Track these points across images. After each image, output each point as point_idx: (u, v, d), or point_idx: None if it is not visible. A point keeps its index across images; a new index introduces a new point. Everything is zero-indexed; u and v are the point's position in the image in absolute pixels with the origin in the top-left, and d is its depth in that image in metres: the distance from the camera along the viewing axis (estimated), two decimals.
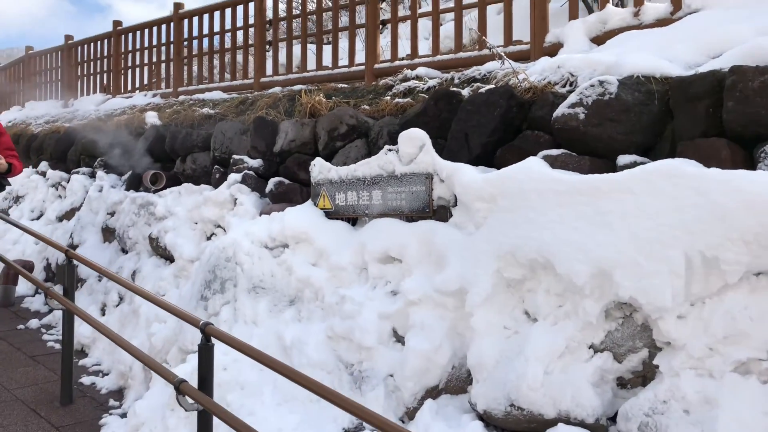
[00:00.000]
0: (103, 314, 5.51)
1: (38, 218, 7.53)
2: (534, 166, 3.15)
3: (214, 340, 3.05)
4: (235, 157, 5.32)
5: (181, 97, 8.18)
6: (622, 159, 3.17)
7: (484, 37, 4.10)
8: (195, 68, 8.85)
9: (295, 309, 3.95)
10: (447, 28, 7.91)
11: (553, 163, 3.24)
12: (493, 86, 3.94)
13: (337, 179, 4.18)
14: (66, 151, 7.91)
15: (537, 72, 4.03)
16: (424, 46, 6.99)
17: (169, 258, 5.34)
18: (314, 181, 4.33)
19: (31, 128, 9.52)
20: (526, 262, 2.96)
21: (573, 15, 4.95)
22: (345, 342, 3.55)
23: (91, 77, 10.72)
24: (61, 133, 8.24)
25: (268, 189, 4.86)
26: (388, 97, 4.99)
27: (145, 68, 9.71)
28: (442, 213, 3.66)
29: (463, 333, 3.21)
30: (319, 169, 4.30)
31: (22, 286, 6.70)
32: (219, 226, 5.06)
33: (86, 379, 4.79)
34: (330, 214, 4.22)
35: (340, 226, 4.13)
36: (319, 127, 4.76)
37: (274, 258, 4.20)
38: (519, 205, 3.08)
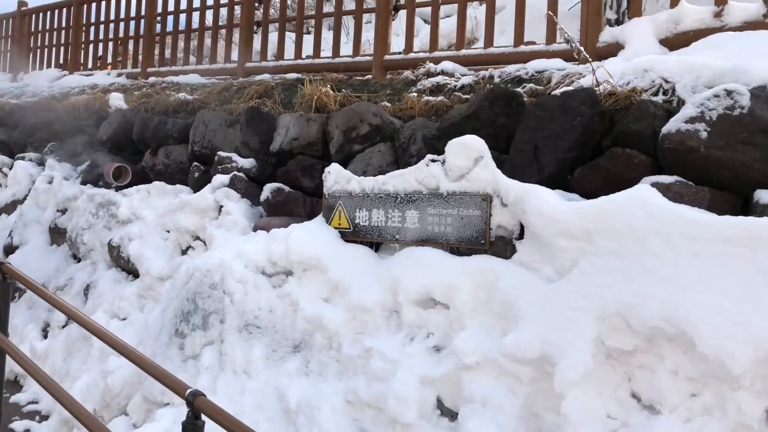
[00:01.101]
0: (45, 337, 4.50)
1: None
2: (648, 197, 2.37)
3: (205, 418, 2.15)
4: (221, 154, 4.38)
5: (151, 79, 7.14)
6: (764, 195, 2.41)
7: (561, 27, 3.30)
8: (168, 48, 7.82)
9: (302, 358, 3.07)
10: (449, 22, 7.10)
11: (665, 193, 2.46)
12: (571, 89, 3.14)
13: (360, 192, 3.32)
14: (11, 133, 6.78)
15: (610, 75, 3.26)
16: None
17: (133, 272, 4.37)
18: (328, 193, 3.46)
19: None
20: (644, 330, 2.18)
21: (636, 12, 4.21)
22: (372, 411, 2.70)
23: (46, 50, 9.50)
24: (6, 111, 7.09)
25: (263, 197, 3.95)
26: (414, 94, 4.14)
27: (110, 44, 8.60)
28: (500, 247, 2.85)
29: (542, 415, 2.40)
30: (336, 177, 3.43)
31: None
32: (198, 239, 4.13)
33: (19, 425, 3.79)
34: (347, 236, 3.36)
35: (362, 252, 3.27)
36: (332, 124, 3.88)
37: (274, 288, 3.31)
38: (631, 250, 2.29)
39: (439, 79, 4.29)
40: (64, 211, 5.22)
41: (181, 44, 7.54)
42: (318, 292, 3.18)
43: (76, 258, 4.93)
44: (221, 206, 4.05)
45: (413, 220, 3.11)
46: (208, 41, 7.13)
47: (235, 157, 4.30)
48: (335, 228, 3.40)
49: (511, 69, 4.14)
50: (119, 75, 7.99)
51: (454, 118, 3.38)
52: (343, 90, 4.55)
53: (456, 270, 2.82)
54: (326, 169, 3.47)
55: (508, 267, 2.72)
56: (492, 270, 2.73)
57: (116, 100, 6.22)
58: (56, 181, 5.49)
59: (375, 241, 3.30)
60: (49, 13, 9.49)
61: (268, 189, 3.94)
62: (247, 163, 4.23)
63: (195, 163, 4.69)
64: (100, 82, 7.54)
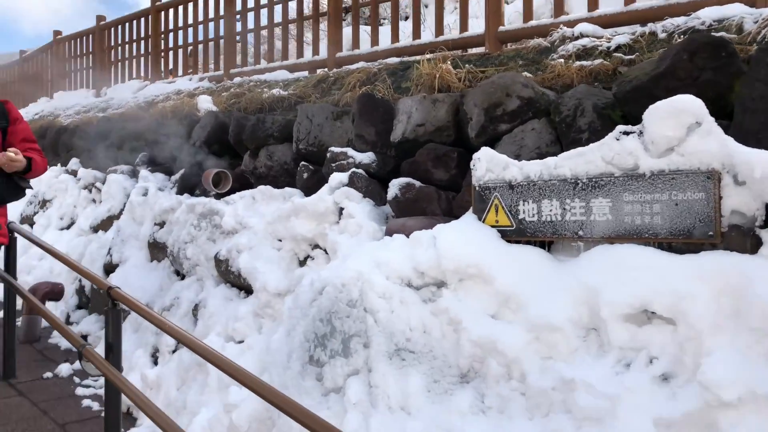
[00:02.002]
0: (156, 363, 4.11)
1: (68, 227, 6.19)
2: None
3: None
4: (334, 149, 3.85)
5: (236, 80, 6.77)
6: None
7: None
8: (250, 47, 7.45)
9: (474, 391, 2.47)
10: None
11: None
12: None
13: (522, 181, 2.69)
14: (101, 146, 6.56)
15: None
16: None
17: (245, 288, 3.91)
18: (478, 184, 2.84)
19: (59, 120, 8.22)
20: None
21: None
22: None
23: (126, 62, 9.40)
24: (95, 125, 6.89)
25: (390, 194, 3.38)
26: (559, 61, 3.47)
27: (189, 48, 8.35)
28: (737, 239, 2.15)
29: None
30: (488, 165, 2.81)
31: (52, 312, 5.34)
32: (317, 247, 3.61)
33: None
34: (509, 235, 2.74)
35: (533, 255, 2.63)
36: (468, 102, 3.26)
37: (425, 303, 2.72)
38: None
39: (585, 41, 3.60)
40: (162, 225, 4.86)
41: (264, 41, 7.14)
42: (483, 307, 2.57)
43: (180, 274, 4.54)
44: (341, 209, 3.51)
45: (602, 210, 2.45)
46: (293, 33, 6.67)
47: (350, 151, 3.75)
48: (492, 226, 2.78)
49: (678, 21, 3.40)
50: (201, 79, 7.70)
51: (638, 80, 2.68)
52: (466, 65, 3.93)
53: (681, 273, 2.15)
54: (475, 156, 2.86)
55: (762, 266, 2.02)
56: (739, 271, 2.03)
57: (204, 102, 5.85)
58: (151, 192, 5.15)
59: (546, 239, 2.66)
60: (127, 24, 9.37)
61: (395, 185, 3.37)
62: (365, 157, 3.68)
63: (302, 162, 4.18)
64: (183, 88, 7.25)
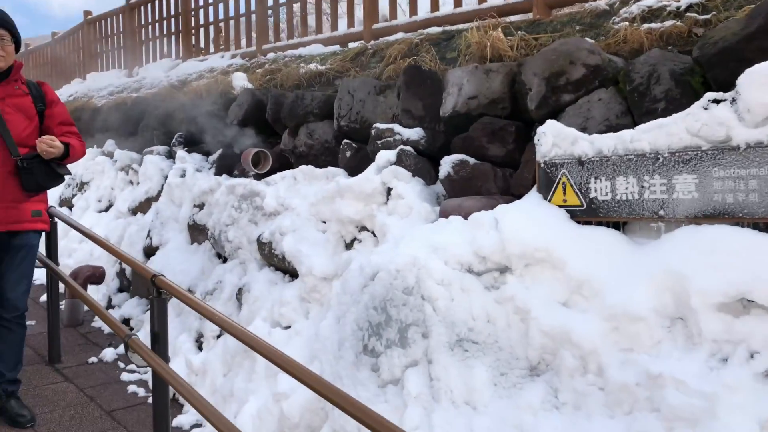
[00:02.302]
0: (200, 349, 4.03)
1: (107, 209, 6.15)
2: None
3: None
4: (379, 126, 3.66)
5: (270, 55, 6.57)
6: None
7: None
8: (283, 23, 7.25)
9: (545, 385, 2.29)
10: None
11: None
12: None
13: (594, 156, 2.47)
14: (135, 127, 6.48)
15: None
16: None
17: (289, 272, 3.78)
18: (543, 160, 2.63)
19: (93, 101, 8.17)
20: None
21: None
22: None
23: (157, 41, 9.28)
24: (129, 105, 6.80)
25: (443, 173, 3.19)
26: (623, 24, 3.20)
27: (221, 25, 8.18)
28: None
29: None
30: (554, 139, 2.59)
31: (93, 295, 5.31)
32: (365, 229, 3.44)
33: None
34: (578, 215, 2.53)
35: (607, 237, 2.42)
36: (527, 72, 3.02)
37: (488, 291, 2.54)
38: None
39: (651, 2, 3.31)
40: (201, 206, 4.75)
41: (297, 15, 6.92)
42: (553, 294, 2.38)
43: (221, 257, 4.44)
44: (389, 189, 3.33)
45: (687, 188, 2.22)
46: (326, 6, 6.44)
47: (396, 128, 3.56)
48: (559, 206, 2.57)
49: None
50: (233, 56, 7.53)
51: (724, 41, 2.42)
52: (519, 32, 3.68)
53: None
54: (539, 130, 2.64)
55: None
56: None
57: (239, 80, 5.70)
58: (189, 173, 5.03)
59: (621, 220, 2.44)
60: (156, 2, 9.23)
61: (448, 163, 3.17)
62: (413, 134, 3.48)
63: (345, 140, 4.00)
64: (216, 65, 7.10)
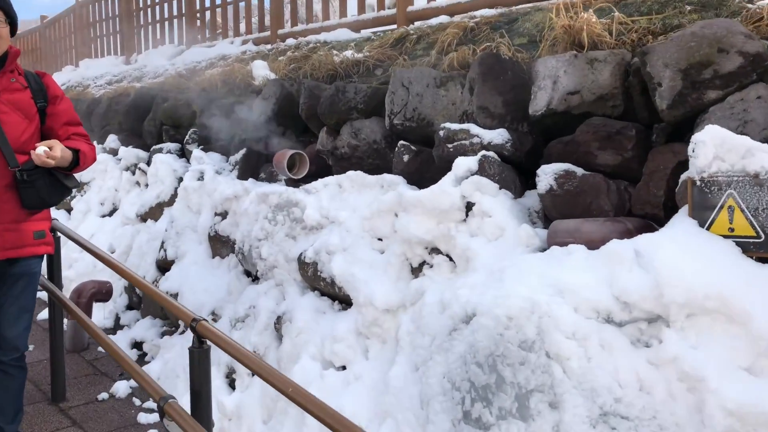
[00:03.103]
0: (232, 387, 3.45)
1: (111, 214, 5.52)
2: None
3: None
4: (450, 126, 3.06)
5: (289, 41, 5.94)
6: None
7: None
8: (300, 6, 6.60)
9: None
10: None
11: None
12: None
13: None
14: (141, 121, 5.83)
15: None
16: None
17: (340, 299, 3.20)
18: (701, 176, 2.05)
19: (90, 91, 7.49)
20: None
21: None
22: None
23: (158, 25, 8.59)
24: (132, 96, 6.14)
25: (543, 186, 2.60)
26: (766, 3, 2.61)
27: (229, 8, 7.52)
28: None
29: None
30: (716, 149, 2.01)
31: (98, 313, 4.72)
32: (436, 251, 2.85)
33: None
34: (753, 249, 1.95)
35: None
36: (654, 62, 2.42)
37: (635, 347, 1.97)
38: None
39: None
40: (224, 215, 4.14)
41: None
42: (734, 357, 1.81)
43: (251, 275, 3.84)
44: (471, 204, 2.74)
45: None
46: None
47: (473, 129, 2.96)
48: (724, 237, 2.00)
49: None
50: (244, 42, 6.88)
51: None
52: (614, 12, 3.08)
53: None
54: (696, 138, 2.05)
55: None
56: None
57: (260, 68, 5.07)
58: (208, 176, 4.41)
59: None
60: None
61: (549, 174, 2.58)
62: (496, 136, 2.88)
63: (401, 142, 3.40)
64: (228, 52, 6.46)
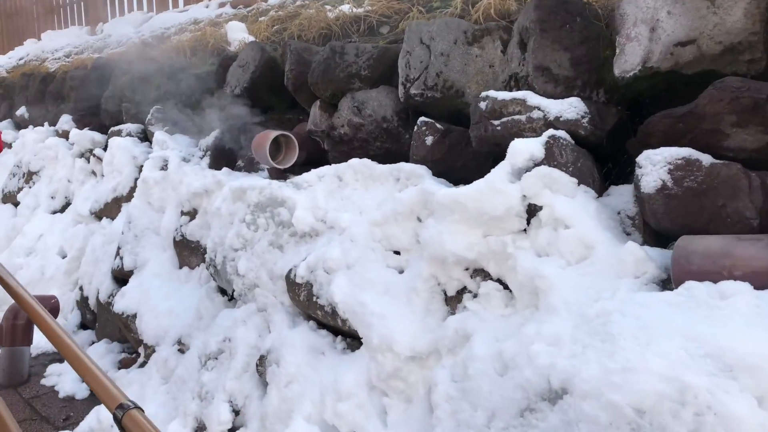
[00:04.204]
0: None
1: (63, 209, 4.63)
2: None
3: None
4: (498, 96, 2.18)
5: (272, 0, 5.01)
6: None
7: None
8: None
9: None
10: None
11: None
12: None
13: None
14: (98, 97, 4.90)
15: None
16: None
17: (346, 333, 2.35)
18: None
19: (46, 66, 6.52)
20: None
21: None
22: None
23: None
24: (89, 69, 5.20)
25: (651, 182, 1.74)
26: None
27: None
28: None
29: None
30: None
31: (41, 338, 3.85)
32: (483, 274, 2.00)
33: None
34: None
35: None
36: None
37: None
38: None
39: None
40: (192, 214, 3.28)
41: None
42: None
43: (226, 294, 2.99)
44: (533, 207, 1.89)
45: None
46: None
47: (532, 97, 2.09)
48: None
49: None
50: (222, 5, 5.94)
51: None
52: None
53: None
54: None
55: None
56: None
57: (237, 31, 4.16)
58: (173, 165, 3.53)
59: None
60: None
61: (661, 163, 1.72)
62: (567, 108, 2.01)
63: (422, 119, 2.53)
64: (201, 16, 5.52)
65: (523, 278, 1.83)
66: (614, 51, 2.00)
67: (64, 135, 4.97)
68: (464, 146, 2.44)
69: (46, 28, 9.20)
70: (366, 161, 2.57)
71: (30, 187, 4.95)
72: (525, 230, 1.92)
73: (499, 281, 1.96)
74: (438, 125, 2.47)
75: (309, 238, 2.60)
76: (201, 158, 3.59)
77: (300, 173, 2.94)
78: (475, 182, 1.97)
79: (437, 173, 2.43)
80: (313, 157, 3.12)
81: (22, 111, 5.94)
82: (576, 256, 1.76)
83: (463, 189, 1.99)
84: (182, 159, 3.59)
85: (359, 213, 2.48)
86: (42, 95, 5.74)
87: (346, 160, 2.66)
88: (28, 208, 4.78)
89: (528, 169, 1.91)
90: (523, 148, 1.92)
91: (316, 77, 3.00)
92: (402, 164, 2.47)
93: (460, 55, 2.53)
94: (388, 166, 2.51)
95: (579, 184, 1.89)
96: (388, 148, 2.79)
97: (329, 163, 3.00)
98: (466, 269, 2.04)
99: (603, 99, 2.10)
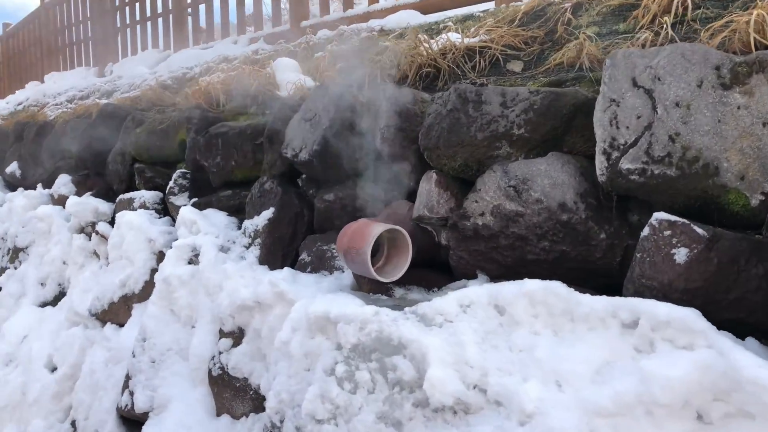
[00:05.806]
0: None
1: (55, 302, 3.56)
2: None
3: None
4: None
5: (322, 33, 4.03)
6: None
7: None
8: None
9: None
10: None
11: None
12: None
13: None
14: (104, 154, 3.87)
15: None
16: None
17: None
18: None
19: (44, 112, 5.56)
20: None
21: None
22: None
23: (138, 26, 6.71)
24: (94, 118, 4.20)
25: None
26: None
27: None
28: None
29: None
30: None
31: None
32: None
33: None
34: None
35: None
36: None
37: None
38: None
39: None
40: (237, 337, 2.21)
41: None
42: None
43: None
44: None
45: None
46: None
47: None
48: None
49: None
50: (253, 40, 5.01)
51: None
52: None
53: None
54: None
55: None
56: None
57: (287, 71, 3.17)
58: (207, 258, 2.47)
59: None
60: None
61: None
62: None
63: (662, 216, 1.46)
64: (231, 54, 4.56)
65: None
66: None
67: (61, 201, 3.93)
68: (744, 265, 1.38)
69: (51, 70, 8.33)
70: (558, 287, 1.49)
71: (15, 268, 3.90)
72: None
73: None
74: (698, 229, 1.40)
75: (452, 416, 1.52)
76: (246, 247, 2.53)
77: (405, 283, 1.89)
78: None
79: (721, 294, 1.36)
80: (423, 257, 2.06)
81: (13, 167, 4.95)
82: None
83: None
84: (219, 248, 2.54)
85: (556, 384, 1.40)
86: (38, 148, 4.75)
87: (481, 265, 1.61)
88: (11, 297, 3.72)
89: None
90: None
91: (435, 139, 1.95)
92: (638, 302, 1.38)
93: (709, 105, 1.48)
94: (603, 299, 1.43)
95: None
96: (564, 251, 1.72)
97: (448, 267, 1.95)
98: None
99: None
